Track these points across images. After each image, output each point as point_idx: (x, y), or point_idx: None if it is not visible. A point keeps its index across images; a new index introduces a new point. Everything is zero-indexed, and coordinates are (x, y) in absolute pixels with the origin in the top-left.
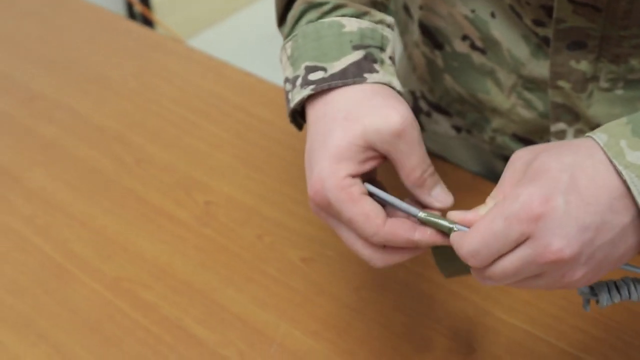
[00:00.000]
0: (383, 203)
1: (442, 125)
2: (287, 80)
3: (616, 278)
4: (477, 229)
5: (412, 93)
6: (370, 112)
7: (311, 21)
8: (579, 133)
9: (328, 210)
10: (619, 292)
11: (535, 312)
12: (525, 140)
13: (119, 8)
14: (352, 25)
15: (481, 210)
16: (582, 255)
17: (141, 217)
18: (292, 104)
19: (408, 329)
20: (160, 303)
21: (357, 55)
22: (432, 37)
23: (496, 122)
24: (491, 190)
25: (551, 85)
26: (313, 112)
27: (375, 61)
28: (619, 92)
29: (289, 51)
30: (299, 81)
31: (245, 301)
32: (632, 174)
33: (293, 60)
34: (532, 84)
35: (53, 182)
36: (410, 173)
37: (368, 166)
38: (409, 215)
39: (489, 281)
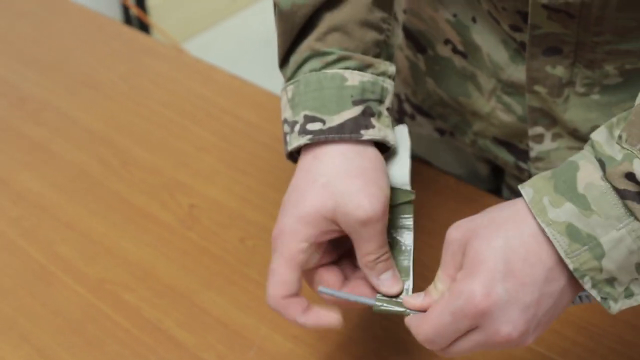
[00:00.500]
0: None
1: (426, 128)
2: (285, 121)
3: None
4: (429, 321)
5: (397, 95)
6: (347, 193)
7: (314, 69)
8: (557, 137)
9: None
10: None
11: None
12: (506, 144)
13: (115, 12)
14: (354, 79)
15: (433, 294)
16: (529, 329)
17: (126, 220)
18: (289, 147)
19: (388, 332)
20: (142, 305)
21: (356, 110)
22: (415, 40)
23: (477, 126)
24: (474, 195)
25: (528, 89)
26: (304, 161)
27: (373, 115)
28: (595, 97)
29: (289, 94)
30: (297, 128)
31: (226, 304)
32: (554, 231)
33: (293, 105)
34: (511, 88)
35: (40, 184)
36: (364, 257)
37: (328, 237)
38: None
39: (448, 355)
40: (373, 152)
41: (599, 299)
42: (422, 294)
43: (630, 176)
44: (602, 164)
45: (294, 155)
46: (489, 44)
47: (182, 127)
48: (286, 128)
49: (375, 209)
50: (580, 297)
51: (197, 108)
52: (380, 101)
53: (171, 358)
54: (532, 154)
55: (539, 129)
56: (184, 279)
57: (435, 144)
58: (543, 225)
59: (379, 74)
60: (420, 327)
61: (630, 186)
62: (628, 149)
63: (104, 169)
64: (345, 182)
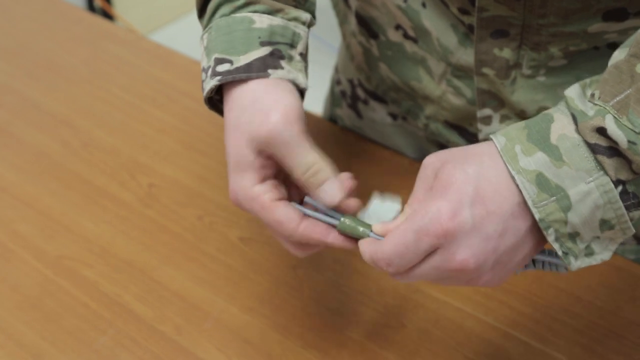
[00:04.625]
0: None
1: (379, 112)
2: (203, 69)
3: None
4: (390, 240)
5: (350, 81)
6: (251, 119)
7: (225, 15)
8: (505, 119)
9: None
10: (534, 264)
11: (465, 290)
12: (457, 127)
13: (79, 3)
14: (262, 22)
15: (401, 219)
16: (487, 262)
17: (86, 199)
18: (204, 93)
19: (341, 305)
20: (100, 280)
21: (264, 51)
22: (367, 27)
23: (429, 109)
24: None
25: (476, 72)
26: (224, 107)
27: (282, 57)
28: (541, 79)
29: (205, 42)
30: (210, 72)
31: (184, 279)
32: (524, 179)
33: (207, 52)
34: (460, 71)
35: (0, 165)
36: (292, 173)
37: (269, 170)
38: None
39: (404, 280)
40: (287, 86)
41: (560, 252)
42: (392, 222)
43: (601, 130)
44: (574, 118)
45: (217, 105)
46: (439, 28)
47: (141, 110)
48: (203, 76)
49: (275, 121)
50: (534, 262)
51: (157, 92)
52: (292, 45)
53: (129, 330)
54: (481, 135)
55: (487, 111)
56: (142, 255)
57: (388, 129)
58: (513, 173)
59: (289, 19)
60: (380, 248)
61: (601, 140)
62: (601, 105)
63: (64, 150)
64: (248, 111)
